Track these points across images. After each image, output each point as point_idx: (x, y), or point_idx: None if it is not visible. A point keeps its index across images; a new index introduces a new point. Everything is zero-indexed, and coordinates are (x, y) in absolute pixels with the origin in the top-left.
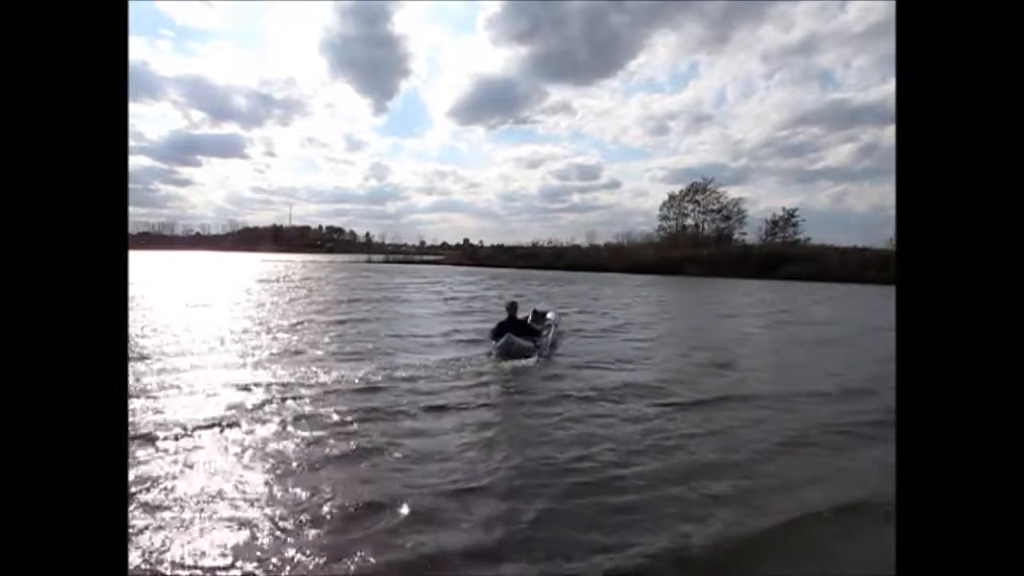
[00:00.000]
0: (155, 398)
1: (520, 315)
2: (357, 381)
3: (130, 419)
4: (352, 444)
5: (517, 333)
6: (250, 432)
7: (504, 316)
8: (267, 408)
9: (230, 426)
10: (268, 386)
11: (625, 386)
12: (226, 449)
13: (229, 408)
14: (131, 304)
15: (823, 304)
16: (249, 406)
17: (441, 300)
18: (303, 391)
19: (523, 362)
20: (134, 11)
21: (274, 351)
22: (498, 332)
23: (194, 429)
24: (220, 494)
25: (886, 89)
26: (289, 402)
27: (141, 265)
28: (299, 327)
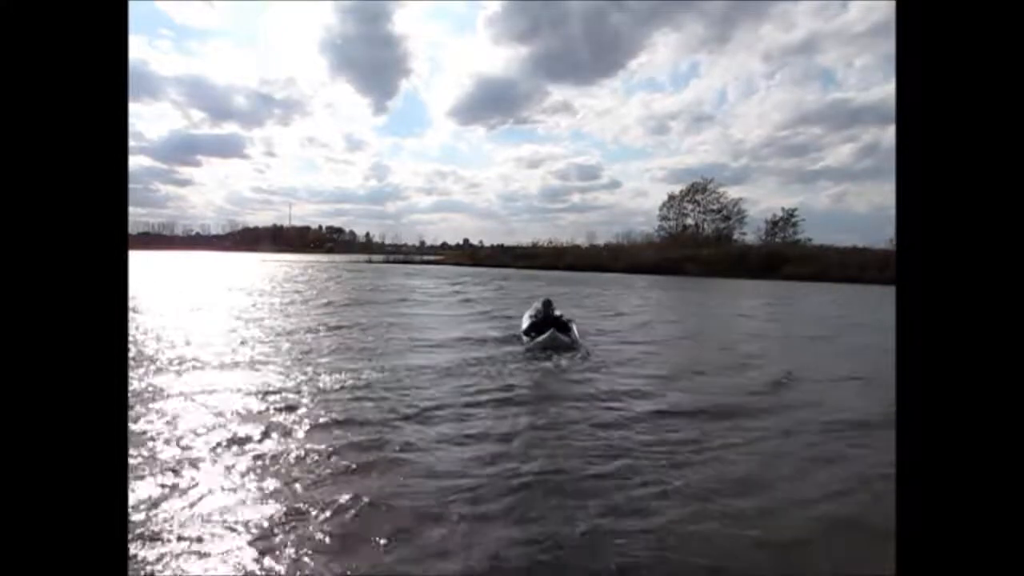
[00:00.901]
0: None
1: (529, 313)
2: (420, 393)
3: (151, 434)
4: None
5: (550, 328)
6: (265, 448)
7: (519, 313)
8: (289, 420)
9: (247, 445)
10: (291, 396)
11: (709, 409)
12: (240, 471)
13: (248, 422)
14: (140, 308)
15: (844, 306)
16: (265, 419)
17: (461, 301)
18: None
19: (565, 359)
20: (133, 11)
21: (297, 357)
22: (537, 327)
23: (208, 446)
24: (225, 530)
25: (887, 89)
26: (322, 417)
27: (142, 266)
28: (320, 331)
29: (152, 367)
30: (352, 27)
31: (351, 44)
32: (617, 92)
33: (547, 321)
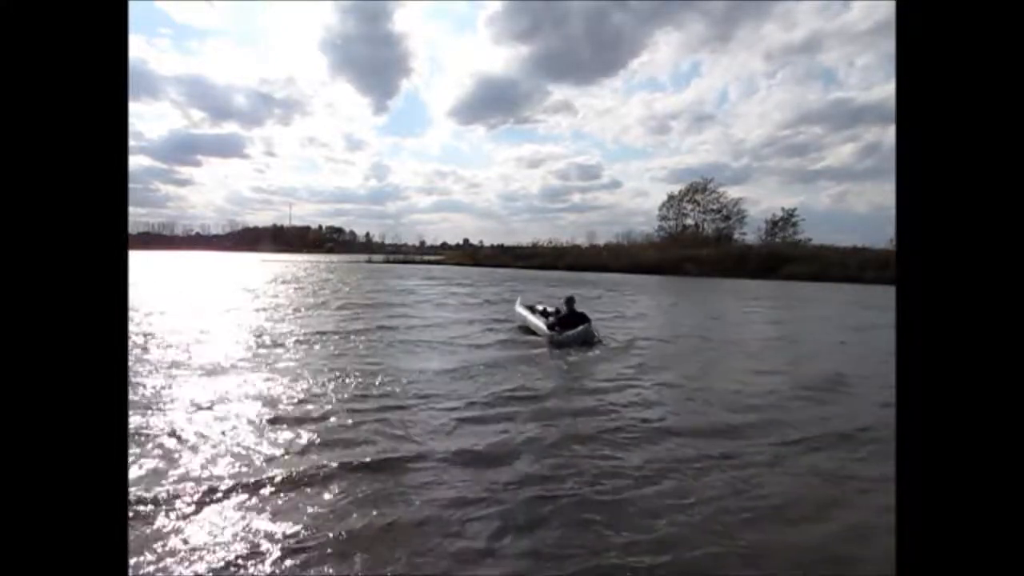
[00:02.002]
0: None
1: (519, 309)
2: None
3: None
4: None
5: (580, 323)
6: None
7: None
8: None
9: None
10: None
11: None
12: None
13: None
14: (150, 311)
15: (874, 308)
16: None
17: (481, 303)
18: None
19: (593, 352)
20: (132, 10)
21: (325, 363)
22: (564, 323)
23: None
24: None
25: (889, 88)
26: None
27: (144, 266)
28: (360, 334)
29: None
30: (352, 26)
31: (351, 43)
32: (618, 92)
33: (574, 317)
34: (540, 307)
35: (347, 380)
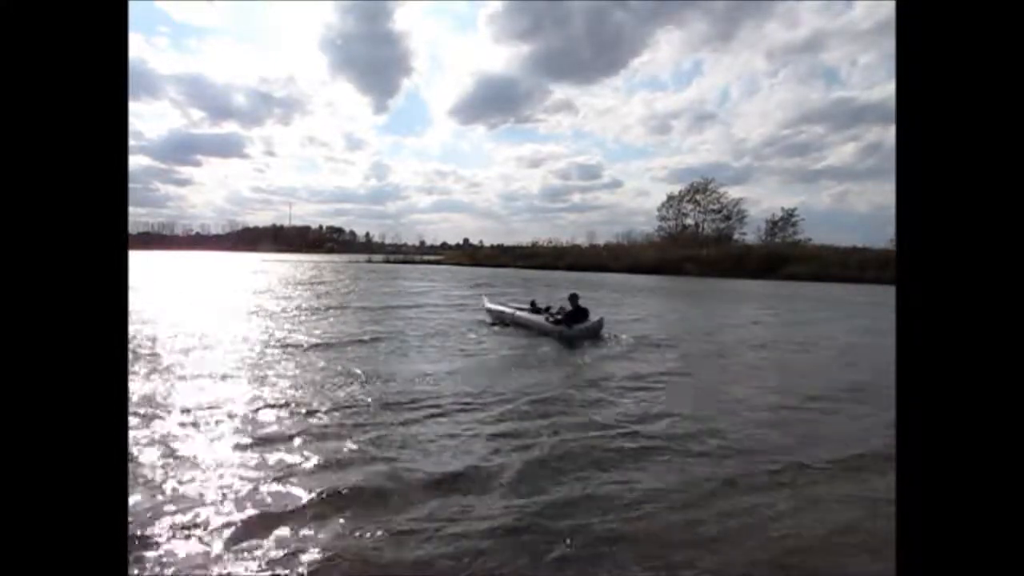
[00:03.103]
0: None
1: (491, 306)
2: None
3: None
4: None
5: (584, 318)
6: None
7: (534, 306)
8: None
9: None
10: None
11: None
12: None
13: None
14: (160, 312)
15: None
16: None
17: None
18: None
19: (603, 351)
20: (131, 9)
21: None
22: (571, 318)
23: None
24: None
25: (890, 87)
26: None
27: (145, 267)
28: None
29: None
30: (352, 25)
31: (351, 42)
32: (619, 91)
33: (578, 312)
34: (514, 304)
35: (375, 390)
